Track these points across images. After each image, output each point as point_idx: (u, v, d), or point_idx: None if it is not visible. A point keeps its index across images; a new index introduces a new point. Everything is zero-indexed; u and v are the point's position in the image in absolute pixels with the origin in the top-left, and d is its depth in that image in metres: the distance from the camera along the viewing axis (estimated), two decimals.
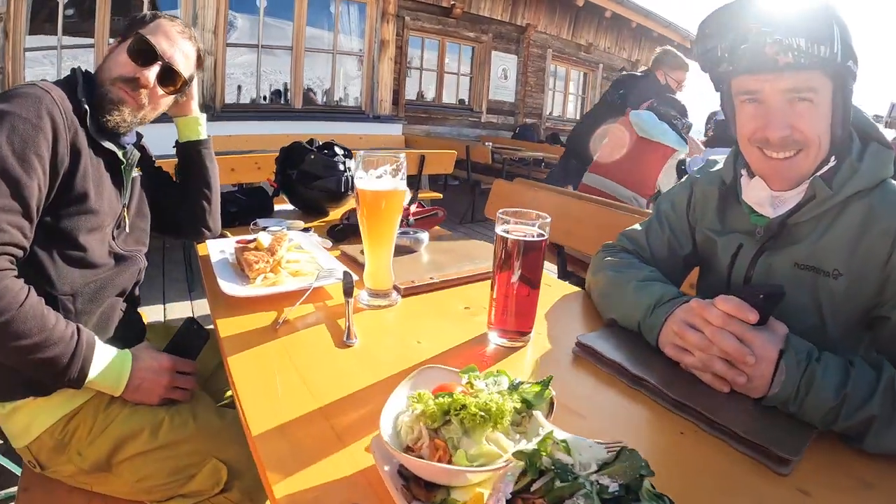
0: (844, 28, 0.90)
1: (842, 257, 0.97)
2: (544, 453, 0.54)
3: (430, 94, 9.48)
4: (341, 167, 2.01)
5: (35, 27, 5.73)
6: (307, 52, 7.43)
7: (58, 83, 1.16)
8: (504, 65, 10.14)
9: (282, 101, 7.47)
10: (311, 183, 1.98)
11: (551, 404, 0.67)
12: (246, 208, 1.94)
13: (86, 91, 1.19)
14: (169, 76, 1.28)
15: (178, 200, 1.51)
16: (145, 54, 1.23)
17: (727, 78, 1.02)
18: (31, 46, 5.73)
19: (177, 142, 1.52)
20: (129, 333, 1.31)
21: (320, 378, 0.90)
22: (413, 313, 1.21)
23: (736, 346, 0.84)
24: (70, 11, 5.85)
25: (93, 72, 1.27)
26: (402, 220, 1.79)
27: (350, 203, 2.09)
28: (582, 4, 10.00)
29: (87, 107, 1.16)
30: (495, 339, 1.06)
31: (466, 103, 9.93)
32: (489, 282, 1.40)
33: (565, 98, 12.02)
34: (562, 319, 1.22)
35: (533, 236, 1.01)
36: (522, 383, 0.69)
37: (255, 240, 1.44)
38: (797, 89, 0.92)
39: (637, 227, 1.36)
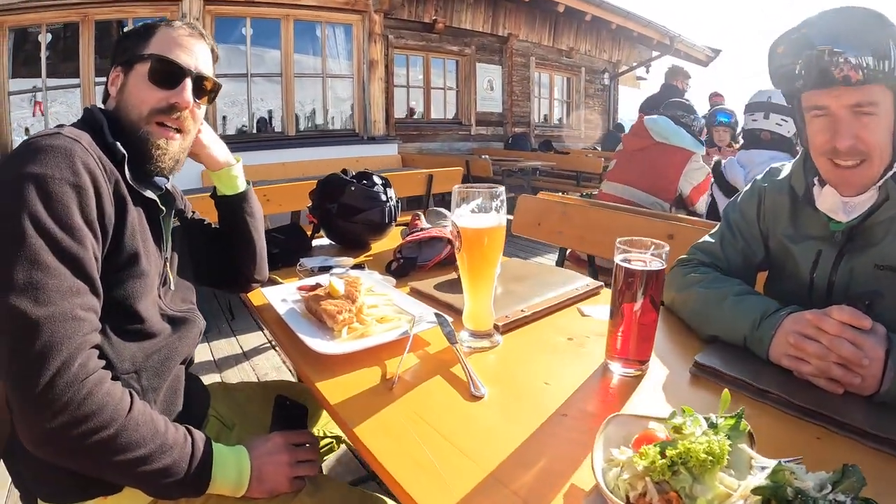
0: None
1: None
2: (787, 485, 0.58)
3: (418, 111, 9.44)
4: (383, 197, 1.91)
5: (14, 70, 5.61)
6: (296, 78, 7.34)
7: (76, 126, 1.01)
8: (489, 76, 10.13)
9: (274, 129, 7.36)
10: (352, 216, 1.87)
11: (750, 435, 0.68)
12: (286, 248, 1.83)
13: (112, 133, 1.04)
14: (201, 87, 1.15)
15: (221, 251, 1.37)
16: (170, 74, 1.09)
17: (798, 93, 1.09)
18: (14, 90, 5.61)
19: (214, 191, 1.39)
20: (195, 404, 1.19)
21: (469, 439, 0.81)
22: (519, 351, 1.12)
23: (853, 351, 0.89)
24: (48, 53, 5.73)
25: (89, 107, 1.09)
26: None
27: (393, 235, 1.99)
28: (562, 10, 10.02)
29: (124, 151, 1.02)
30: (619, 370, 1.02)
31: (455, 117, 9.89)
32: (575, 308, 1.36)
33: (551, 104, 12.04)
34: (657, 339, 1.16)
35: (652, 265, 0.98)
36: (718, 418, 0.70)
37: (317, 285, 1.34)
38: (860, 104, 1.00)
39: (709, 238, 1.38)
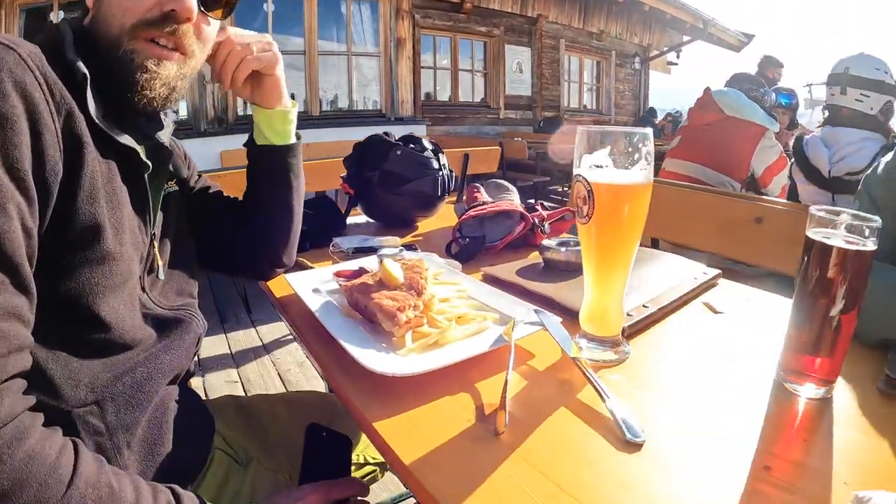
0: None
1: None
2: None
3: (445, 94, 9.06)
4: (434, 164, 1.57)
5: None
6: (321, 56, 7.01)
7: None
8: (518, 58, 9.72)
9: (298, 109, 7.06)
10: (397, 187, 1.53)
11: None
12: (316, 225, 1.48)
13: (79, 53, 0.71)
14: None
15: (240, 226, 1.05)
16: None
17: None
18: None
19: (250, 139, 1.05)
20: (193, 436, 0.84)
21: None
22: (653, 367, 0.78)
23: None
24: None
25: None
26: (535, 227, 1.36)
27: (443, 213, 1.65)
28: None
29: (85, 70, 0.68)
30: (808, 393, 0.71)
31: (483, 101, 9.50)
32: (699, 303, 1.01)
33: (580, 88, 11.59)
34: None
35: (858, 244, 0.67)
36: None
37: (361, 269, 1.01)
38: None
39: None
